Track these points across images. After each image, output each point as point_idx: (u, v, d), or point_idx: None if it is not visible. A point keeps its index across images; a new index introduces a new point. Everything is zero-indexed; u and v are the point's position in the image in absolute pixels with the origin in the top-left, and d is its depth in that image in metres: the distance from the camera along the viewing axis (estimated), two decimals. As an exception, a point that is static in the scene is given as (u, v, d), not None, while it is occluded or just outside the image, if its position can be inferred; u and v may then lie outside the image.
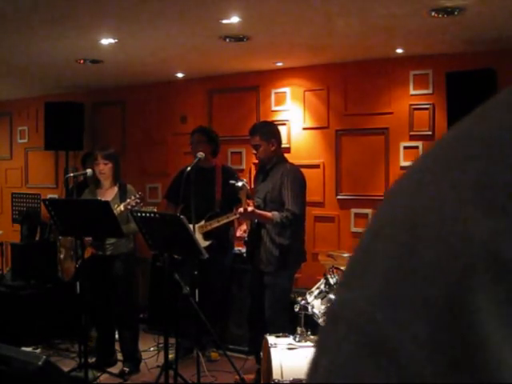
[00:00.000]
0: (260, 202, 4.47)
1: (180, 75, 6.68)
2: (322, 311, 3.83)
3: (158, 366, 4.84)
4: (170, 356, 4.40)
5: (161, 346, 4.85)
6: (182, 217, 4.04)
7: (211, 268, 4.95)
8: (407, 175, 0.33)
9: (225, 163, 6.04)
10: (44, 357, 2.00)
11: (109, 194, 4.88)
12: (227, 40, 4.97)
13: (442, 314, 0.27)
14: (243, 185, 4.26)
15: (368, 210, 5.68)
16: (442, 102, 5.33)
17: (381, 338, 0.28)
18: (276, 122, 5.41)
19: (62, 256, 5.19)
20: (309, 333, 3.82)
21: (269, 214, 4.33)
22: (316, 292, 3.99)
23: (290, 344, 3.73)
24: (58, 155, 7.83)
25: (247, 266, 4.95)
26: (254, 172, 5.37)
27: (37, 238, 6.76)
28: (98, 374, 4.74)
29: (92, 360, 4.91)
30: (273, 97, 6.37)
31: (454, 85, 5.04)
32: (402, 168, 5.50)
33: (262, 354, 4.03)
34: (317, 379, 0.32)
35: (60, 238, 5.19)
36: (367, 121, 5.82)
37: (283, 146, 5.01)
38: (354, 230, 5.82)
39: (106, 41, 5.00)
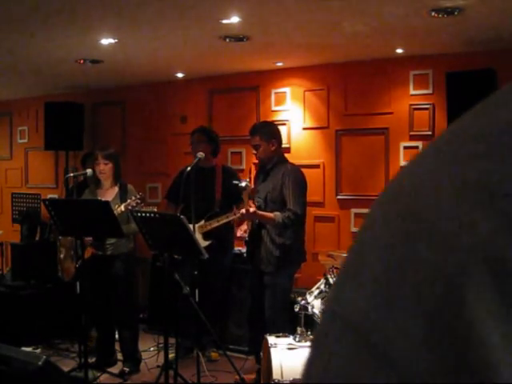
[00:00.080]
0: (261, 202, 4.47)
1: (180, 75, 6.68)
2: (321, 311, 3.83)
3: (158, 366, 4.84)
4: (170, 356, 4.40)
5: (161, 346, 4.85)
6: (182, 217, 4.04)
7: (211, 268, 4.95)
8: (405, 172, 0.33)
9: (225, 163, 6.04)
10: (44, 357, 2.00)
11: (109, 194, 4.88)
12: (227, 40, 4.97)
13: (438, 314, 0.26)
14: (246, 185, 4.26)
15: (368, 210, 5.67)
16: (442, 102, 5.33)
17: (376, 338, 0.28)
18: (276, 122, 5.41)
19: (62, 256, 5.19)
20: (309, 333, 3.82)
21: (270, 215, 4.33)
22: (316, 292, 3.99)
23: (289, 344, 3.73)
24: (58, 155, 7.83)
25: (247, 266, 4.95)
26: (254, 172, 5.37)
27: (37, 238, 6.76)
28: (98, 374, 4.74)
29: (92, 360, 4.91)
30: (273, 97, 6.37)
31: (454, 85, 5.04)
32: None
33: (261, 353, 4.03)
34: (312, 379, 0.32)
35: (60, 238, 5.19)
36: (367, 121, 5.82)
37: (283, 146, 5.01)
38: (354, 229, 5.82)
39: (105, 41, 5.00)
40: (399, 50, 5.39)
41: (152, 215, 4.19)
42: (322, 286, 3.99)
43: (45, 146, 7.16)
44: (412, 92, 5.62)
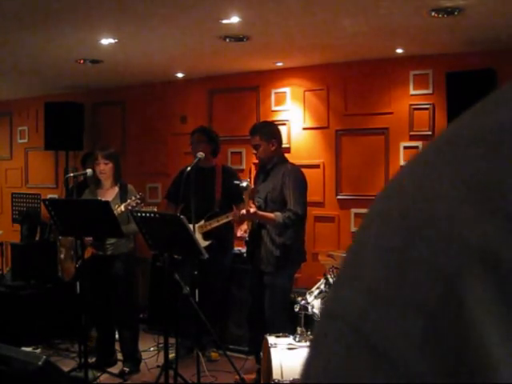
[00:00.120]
0: (261, 202, 4.47)
1: (180, 75, 6.68)
2: (320, 311, 3.82)
3: (158, 366, 4.84)
4: (170, 356, 4.40)
5: (161, 346, 4.85)
6: (182, 217, 4.04)
7: (211, 268, 4.95)
8: (404, 172, 0.33)
9: (225, 163, 6.04)
10: (44, 357, 2.00)
11: (109, 194, 4.88)
12: (227, 40, 4.97)
13: (438, 314, 0.26)
14: (247, 185, 4.27)
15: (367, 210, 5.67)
16: (442, 102, 5.33)
17: (376, 338, 0.28)
18: (276, 122, 5.41)
19: (62, 256, 5.19)
20: (309, 333, 3.82)
21: (271, 215, 4.33)
22: (316, 292, 3.99)
23: (289, 344, 3.73)
24: (57, 155, 7.83)
25: (247, 266, 4.95)
26: (254, 172, 5.37)
27: (37, 238, 6.76)
28: (98, 374, 4.74)
29: (92, 360, 4.91)
30: (273, 97, 6.37)
31: (454, 85, 5.04)
32: (402, 168, 5.49)
33: (261, 353, 4.03)
34: (311, 379, 0.32)
35: (60, 238, 5.19)
36: (367, 121, 5.82)
37: (283, 146, 5.00)
38: (354, 229, 5.81)
39: (105, 41, 5.00)
40: (399, 50, 5.39)
41: (152, 215, 4.19)
42: (322, 286, 3.99)
43: (45, 146, 7.16)
44: (412, 92, 5.62)
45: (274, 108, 6.36)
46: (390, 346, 0.27)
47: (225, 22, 4.44)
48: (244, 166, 6.50)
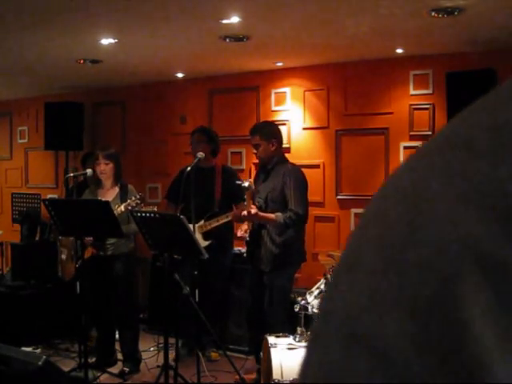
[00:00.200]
0: (261, 202, 4.46)
1: (180, 75, 6.68)
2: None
3: (157, 366, 4.84)
4: (171, 356, 4.40)
5: (161, 346, 4.85)
6: (182, 217, 4.04)
7: (211, 268, 4.95)
8: (401, 171, 0.33)
9: (225, 163, 6.04)
10: (44, 357, 2.00)
11: (110, 194, 4.88)
12: (227, 40, 4.97)
13: (433, 314, 0.27)
14: (249, 185, 4.27)
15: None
16: (442, 102, 5.33)
17: (370, 337, 0.28)
18: (276, 122, 5.40)
19: (63, 256, 5.19)
20: (308, 333, 3.82)
21: (272, 216, 4.33)
22: (316, 292, 3.99)
23: (289, 344, 3.73)
24: (57, 155, 7.83)
25: (247, 266, 4.95)
26: (254, 172, 5.37)
27: (37, 238, 6.76)
28: (98, 374, 4.74)
29: (92, 360, 4.91)
30: (273, 97, 6.37)
31: (454, 85, 5.04)
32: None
33: (261, 353, 4.03)
34: (308, 379, 0.32)
35: (60, 238, 5.19)
36: (367, 121, 5.82)
37: (283, 146, 5.00)
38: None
39: (105, 41, 5.00)
40: (399, 50, 5.39)
41: (152, 215, 4.19)
42: (322, 286, 3.99)
43: (45, 146, 7.16)
44: (412, 92, 5.62)
45: (273, 108, 6.36)
46: (388, 346, 0.27)
47: (225, 22, 4.44)
48: (244, 166, 6.50)
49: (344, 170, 5.96)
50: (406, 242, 0.29)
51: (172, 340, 4.33)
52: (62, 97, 7.25)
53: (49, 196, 7.25)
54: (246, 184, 4.27)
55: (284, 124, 6.12)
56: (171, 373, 4.19)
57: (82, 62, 5.80)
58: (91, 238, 4.71)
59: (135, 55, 5.61)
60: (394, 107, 5.69)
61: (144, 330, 5.77)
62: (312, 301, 3.91)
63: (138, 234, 4.43)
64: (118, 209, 4.60)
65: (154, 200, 6.79)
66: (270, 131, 4.60)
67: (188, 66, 6.28)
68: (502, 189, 0.27)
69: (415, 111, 5.59)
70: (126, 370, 4.95)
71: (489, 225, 0.27)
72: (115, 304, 4.91)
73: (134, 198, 4.63)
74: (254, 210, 4.24)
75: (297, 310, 3.88)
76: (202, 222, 5.02)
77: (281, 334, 3.86)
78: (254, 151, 4.61)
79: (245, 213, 4.28)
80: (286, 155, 4.85)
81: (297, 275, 4.95)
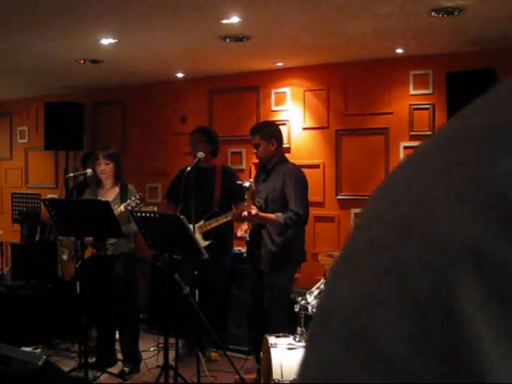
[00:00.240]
0: (261, 202, 4.46)
1: (180, 75, 6.68)
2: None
3: (158, 366, 4.84)
4: (171, 356, 4.40)
5: (161, 346, 4.85)
6: (182, 217, 4.04)
7: (211, 268, 4.95)
8: (399, 171, 0.33)
9: (225, 163, 6.04)
10: (44, 357, 2.00)
11: (110, 194, 4.88)
12: (227, 40, 4.97)
13: (430, 314, 0.27)
14: (250, 185, 4.27)
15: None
16: (442, 102, 5.33)
17: (368, 337, 0.28)
18: (276, 122, 5.41)
19: (65, 257, 5.19)
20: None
21: (272, 216, 4.33)
22: (316, 292, 3.99)
23: (289, 344, 3.73)
24: (57, 155, 7.83)
25: (247, 266, 4.95)
26: (254, 172, 5.37)
27: (37, 238, 6.76)
28: (98, 374, 4.74)
29: (92, 360, 4.91)
30: (273, 97, 6.37)
31: (454, 85, 5.04)
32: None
33: (261, 353, 4.03)
34: (306, 379, 0.32)
35: (61, 238, 5.19)
36: (367, 121, 5.82)
37: (283, 145, 5.00)
38: (354, 230, 5.81)
39: (105, 41, 5.00)
40: (399, 50, 5.39)
41: (152, 215, 4.19)
42: (322, 286, 3.99)
43: (45, 146, 7.16)
44: (412, 92, 5.62)
45: (273, 108, 6.36)
46: (387, 346, 0.27)
47: (225, 22, 4.44)
48: (244, 166, 6.50)
49: (344, 169, 5.96)
50: (405, 242, 0.29)
51: (172, 340, 4.33)
52: (62, 97, 7.25)
53: (49, 196, 7.25)
54: (247, 184, 4.28)
55: (284, 124, 6.12)
56: (171, 373, 4.19)
57: (81, 61, 5.80)
58: (91, 238, 4.71)
59: (135, 55, 5.61)
60: (393, 107, 5.69)
61: (144, 329, 5.77)
62: (312, 301, 3.91)
63: (138, 234, 4.43)
64: (118, 209, 4.60)
65: (153, 200, 6.79)
66: (270, 131, 4.60)
67: (188, 66, 6.28)
68: (502, 189, 0.27)
69: (415, 111, 5.59)
70: (126, 369, 4.95)
71: (488, 225, 0.27)
72: (115, 304, 4.90)
73: (133, 198, 4.63)
74: (254, 211, 4.24)
75: (297, 309, 3.88)
76: (201, 223, 5.02)
77: (281, 334, 3.86)
78: (254, 151, 4.61)
79: (245, 214, 4.28)
80: (286, 155, 4.85)
81: (297, 275, 4.95)
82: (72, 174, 5.63)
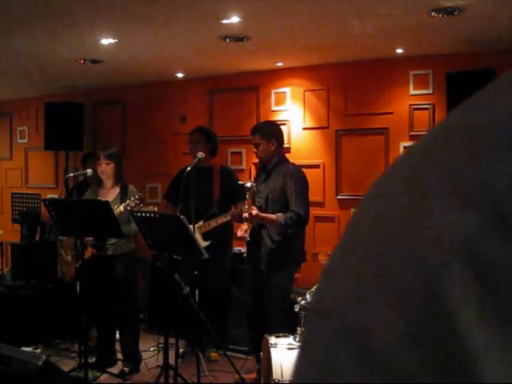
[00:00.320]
0: (262, 202, 4.46)
1: (180, 75, 6.68)
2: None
3: (158, 366, 4.84)
4: (171, 356, 4.40)
5: (161, 346, 4.85)
6: (182, 217, 4.04)
7: (211, 268, 4.94)
8: (393, 170, 0.33)
9: (225, 163, 6.04)
10: (44, 357, 2.00)
11: (110, 194, 4.88)
12: (227, 40, 4.97)
13: (423, 312, 0.27)
14: (251, 185, 4.27)
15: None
16: (442, 102, 5.33)
17: (360, 332, 0.28)
18: (276, 122, 5.41)
19: (65, 257, 5.18)
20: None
21: (273, 216, 4.32)
22: (316, 292, 3.98)
23: (289, 344, 3.73)
24: (57, 155, 7.83)
25: (247, 266, 4.94)
26: (254, 172, 5.37)
27: (37, 238, 6.76)
28: (98, 374, 4.74)
29: (92, 360, 4.91)
30: (273, 97, 6.37)
31: (454, 85, 5.04)
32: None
33: (261, 353, 4.03)
34: (300, 378, 0.32)
35: (61, 238, 5.19)
36: (367, 121, 5.82)
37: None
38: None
39: (105, 41, 5.00)
40: (399, 50, 5.39)
41: (152, 215, 4.19)
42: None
43: (45, 145, 7.16)
44: (412, 92, 5.62)
45: (273, 108, 6.36)
46: (379, 344, 0.27)
47: (225, 22, 4.44)
48: (244, 166, 6.50)
49: (344, 169, 5.96)
50: (394, 241, 0.29)
51: (172, 340, 4.33)
52: (62, 97, 7.24)
53: (49, 196, 7.26)
54: (249, 184, 4.28)
55: (284, 124, 6.11)
56: (171, 373, 4.19)
57: (82, 61, 5.80)
58: (91, 238, 4.71)
59: (135, 55, 5.61)
60: (393, 107, 5.69)
61: (144, 329, 5.77)
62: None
63: (139, 234, 4.43)
64: (118, 209, 4.60)
65: (154, 200, 6.79)
66: (270, 131, 4.60)
67: (188, 66, 6.28)
68: (497, 189, 0.27)
69: (415, 111, 5.59)
70: (126, 370, 4.94)
71: (483, 225, 0.27)
72: (115, 304, 4.90)
73: (132, 199, 4.63)
74: (254, 211, 4.24)
75: (297, 309, 3.88)
76: (201, 223, 5.02)
77: (281, 334, 3.86)
78: (255, 150, 4.61)
79: (246, 214, 4.27)
80: (286, 155, 4.85)
81: (297, 275, 4.95)
82: (72, 174, 5.63)
